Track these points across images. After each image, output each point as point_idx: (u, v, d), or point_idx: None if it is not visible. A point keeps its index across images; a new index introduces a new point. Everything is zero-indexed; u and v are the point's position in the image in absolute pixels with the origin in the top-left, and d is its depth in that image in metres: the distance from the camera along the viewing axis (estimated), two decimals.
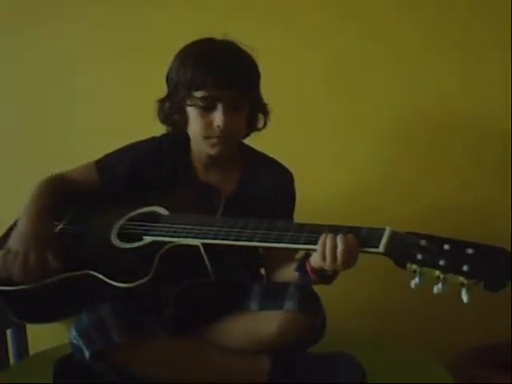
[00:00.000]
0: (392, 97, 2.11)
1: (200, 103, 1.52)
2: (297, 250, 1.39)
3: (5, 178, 2.21)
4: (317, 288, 1.44)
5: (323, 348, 1.47)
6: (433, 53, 2.08)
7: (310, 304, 1.44)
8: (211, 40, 1.58)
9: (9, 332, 1.83)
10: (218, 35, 1.57)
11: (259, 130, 1.64)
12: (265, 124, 1.64)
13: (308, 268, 1.37)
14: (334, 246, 1.26)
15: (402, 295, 2.02)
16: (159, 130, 1.65)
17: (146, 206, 1.55)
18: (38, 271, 1.40)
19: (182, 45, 1.58)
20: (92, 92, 2.16)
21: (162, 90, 1.60)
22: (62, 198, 1.59)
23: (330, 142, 2.14)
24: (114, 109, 2.16)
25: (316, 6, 2.07)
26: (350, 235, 1.26)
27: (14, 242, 1.45)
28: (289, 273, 1.48)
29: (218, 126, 1.51)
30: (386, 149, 2.14)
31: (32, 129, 2.20)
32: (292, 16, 2.08)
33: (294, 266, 1.44)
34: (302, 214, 1.63)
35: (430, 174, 2.14)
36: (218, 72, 1.50)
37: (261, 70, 1.58)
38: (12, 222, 1.57)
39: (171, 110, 1.59)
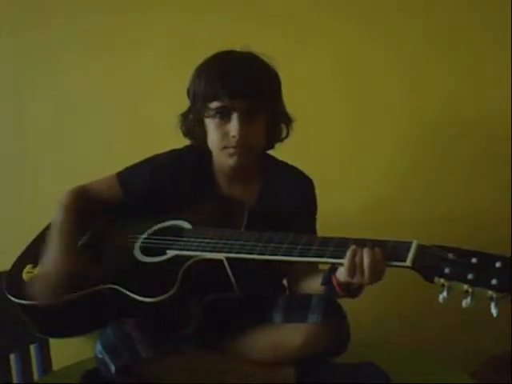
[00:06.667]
0: (405, 109, 2.11)
1: (215, 114, 1.52)
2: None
3: (4, 181, 2.21)
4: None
5: (347, 357, 1.47)
6: (441, 58, 2.08)
7: (333, 316, 1.44)
8: (229, 52, 1.56)
9: (32, 347, 1.82)
10: (239, 47, 1.56)
11: (282, 140, 1.62)
12: (287, 134, 1.62)
13: (334, 282, 1.36)
14: (361, 261, 1.25)
15: (425, 303, 2.02)
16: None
17: (168, 219, 1.54)
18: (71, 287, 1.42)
19: (195, 56, 1.58)
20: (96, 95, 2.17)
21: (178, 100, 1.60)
22: (87, 212, 1.58)
23: (344, 155, 2.14)
24: (116, 110, 2.17)
25: (325, 11, 2.07)
26: (376, 249, 1.25)
27: (47, 261, 1.46)
28: (314, 285, 1.48)
29: (234, 136, 1.51)
30: (400, 161, 2.15)
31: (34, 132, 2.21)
32: (299, 21, 2.08)
33: (318, 278, 1.43)
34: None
35: (443, 183, 2.13)
36: (231, 82, 1.49)
37: None
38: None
39: (192, 122, 1.58)
